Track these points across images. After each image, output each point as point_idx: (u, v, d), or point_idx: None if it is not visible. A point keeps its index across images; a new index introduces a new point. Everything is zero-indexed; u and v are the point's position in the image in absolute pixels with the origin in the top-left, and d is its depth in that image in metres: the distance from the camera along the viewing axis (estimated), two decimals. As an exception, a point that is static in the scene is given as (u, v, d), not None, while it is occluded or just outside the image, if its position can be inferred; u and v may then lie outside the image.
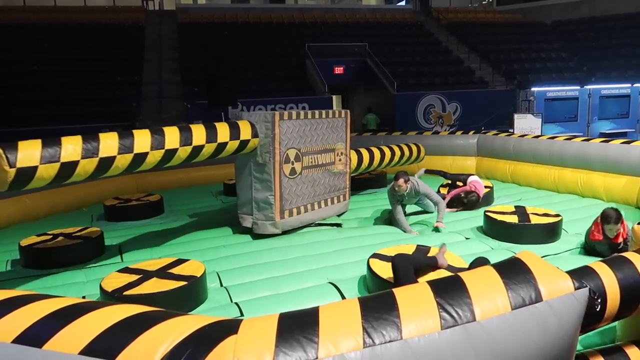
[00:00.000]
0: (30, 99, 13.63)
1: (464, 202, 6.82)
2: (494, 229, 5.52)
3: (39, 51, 15.75)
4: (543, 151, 7.58)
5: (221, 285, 4.52)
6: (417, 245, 4.59)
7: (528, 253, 2.08)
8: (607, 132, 12.01)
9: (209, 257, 5.28)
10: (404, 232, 6.00)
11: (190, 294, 4.00)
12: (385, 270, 4.02)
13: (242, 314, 3.85)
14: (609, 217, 4.61)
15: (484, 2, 27.23)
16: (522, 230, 5.27)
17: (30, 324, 2.00)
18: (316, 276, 4.54)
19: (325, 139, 6.52)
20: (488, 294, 1.83)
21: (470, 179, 7.09)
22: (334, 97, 16.31)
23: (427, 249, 4.48)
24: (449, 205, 6.76)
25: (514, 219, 5.45)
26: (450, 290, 1.86)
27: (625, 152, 6.61)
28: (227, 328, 1.73)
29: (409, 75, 16.87)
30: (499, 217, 5.49)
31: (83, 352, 1.78)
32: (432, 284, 1.93)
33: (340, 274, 4.58)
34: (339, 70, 16.75)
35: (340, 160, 6.77)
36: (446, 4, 24.72)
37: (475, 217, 6.30)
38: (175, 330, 1.75)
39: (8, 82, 14.07)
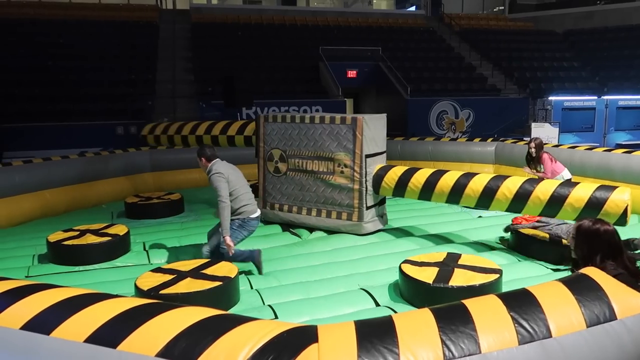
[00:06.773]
0: (44, 95, 13.65)
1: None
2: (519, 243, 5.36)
3: (53, 47, 15.79)
4: (563, 160, 7.54)
5: (251, 287, 4.53)
6: (448, 253, 4.60)
7: (593, 269, 2.09)
8: (623, 143, 12.01)
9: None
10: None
11: (224, 295, 4.02)
12: (420, 275, 4.02)
13: (276, 317, 3.87)
14: None
15: (495, 10, 27.22)
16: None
17: (99, 326, 2.01)
18: (346, 282, 4.54)
19: (319, 145, 6.06)
20: (561, 310, 1.84)
21: None
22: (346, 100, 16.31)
23: (458, 256, 4.49)
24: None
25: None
26: (523, 305, 1.87)
27: (648, 164, 6.60)
28: (307, 335, 1.74)
29: (421, 80, 16.85)
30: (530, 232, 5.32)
31: (160, 355, 1.79)
32: (503, 297, 1.94)
33: (370, 280, 4.58)
34: (352, 74, 16.75)
35: (342, 172, 5.97)
36: (458, 10, 24.71)
37: (499, 226, 6.29)
38: (254, 335, 1.77)
39: (23, 77, 14.11)
